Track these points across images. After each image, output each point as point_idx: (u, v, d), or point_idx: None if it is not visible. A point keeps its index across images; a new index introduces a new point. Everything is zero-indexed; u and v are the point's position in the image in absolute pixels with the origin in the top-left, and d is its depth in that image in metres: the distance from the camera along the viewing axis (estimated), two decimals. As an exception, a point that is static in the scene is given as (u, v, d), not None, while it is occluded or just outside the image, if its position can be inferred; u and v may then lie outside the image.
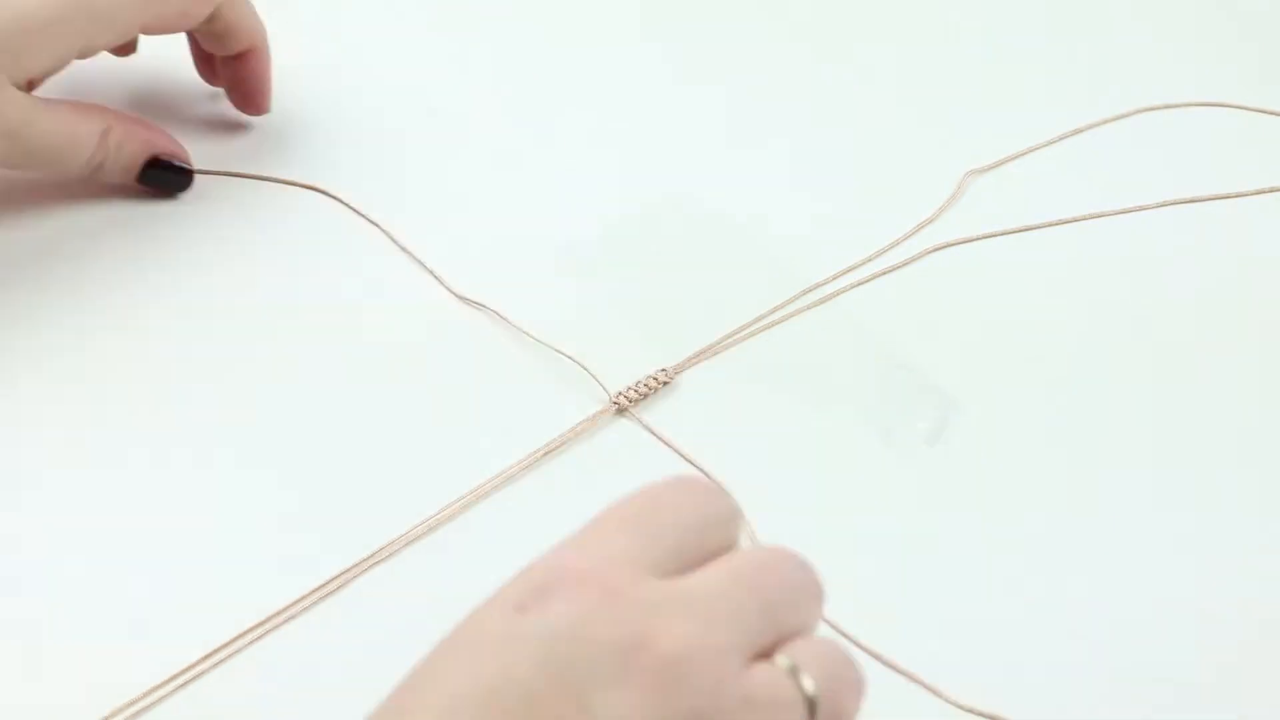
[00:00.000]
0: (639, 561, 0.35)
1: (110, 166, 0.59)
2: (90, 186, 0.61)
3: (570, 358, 0.56)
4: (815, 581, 0.37)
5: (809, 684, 0.35)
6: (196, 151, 0.62)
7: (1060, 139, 0.68)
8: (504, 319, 0.58)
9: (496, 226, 0.63)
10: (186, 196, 0.62)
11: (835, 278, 0.61)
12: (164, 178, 0.61)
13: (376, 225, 0.62)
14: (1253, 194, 0.66)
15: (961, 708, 0.47)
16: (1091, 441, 0.56)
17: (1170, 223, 0.65)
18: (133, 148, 0.59)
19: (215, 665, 0.47)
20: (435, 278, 0.60)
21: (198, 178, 0.62)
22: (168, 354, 0.56)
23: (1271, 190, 0.66)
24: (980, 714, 0.47)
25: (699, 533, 0.37)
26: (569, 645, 0.34)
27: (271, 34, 0.63)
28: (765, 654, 0.35)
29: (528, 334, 0.57)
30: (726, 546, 0.37)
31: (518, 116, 0.69)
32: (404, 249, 0.61)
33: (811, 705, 0.35)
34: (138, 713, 0.46)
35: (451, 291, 0.59)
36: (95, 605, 0.48)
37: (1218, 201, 0.65)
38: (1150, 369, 0.58)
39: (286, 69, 0.65)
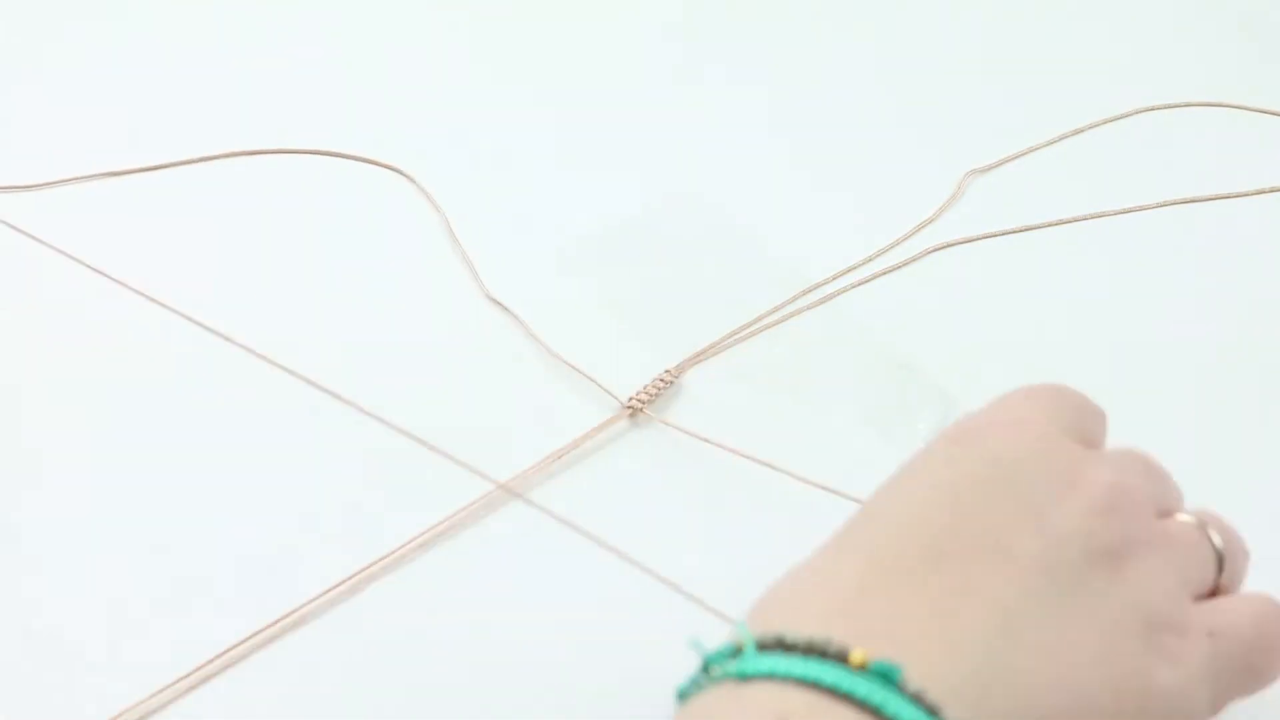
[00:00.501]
0: (1053, 422, 0.39)
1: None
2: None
3: (581, 371, 0.56)
4: (1178, 491, 0.42)
5: (1217, 538, 0.40)
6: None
7: (1060, 139, 0.68)
8: (523, 324, 0.58)
9: (497, 226, 0.63)
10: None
11: (835, 278, 0.61)
12: None
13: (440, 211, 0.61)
14: (1253, 194, 0.66)
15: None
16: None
17: (1170, 223, 0.65)
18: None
19: (226, 666, 0.47)
20: (474, 273, 0.59)
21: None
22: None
23: (1271, 190, 0.66)
24: None
25: (1088, 420, 0.40)
26: (1011, 467, 0.37)
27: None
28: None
29: (542, 343, 0.57)
30: (1101, 441, 0.41)
31: (517, 116, 0.69)
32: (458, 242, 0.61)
33: (1219, 556, 0.39)
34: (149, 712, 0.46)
35: (485, 293, 0.59)
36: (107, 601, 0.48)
37: (1218, 201, 0.65)
38: (1150, 369, 0.58)
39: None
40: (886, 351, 0.58)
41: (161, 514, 0.51)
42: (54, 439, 0.54)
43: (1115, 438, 0.55)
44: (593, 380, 0.55)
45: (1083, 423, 0.40)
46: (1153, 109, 0.70)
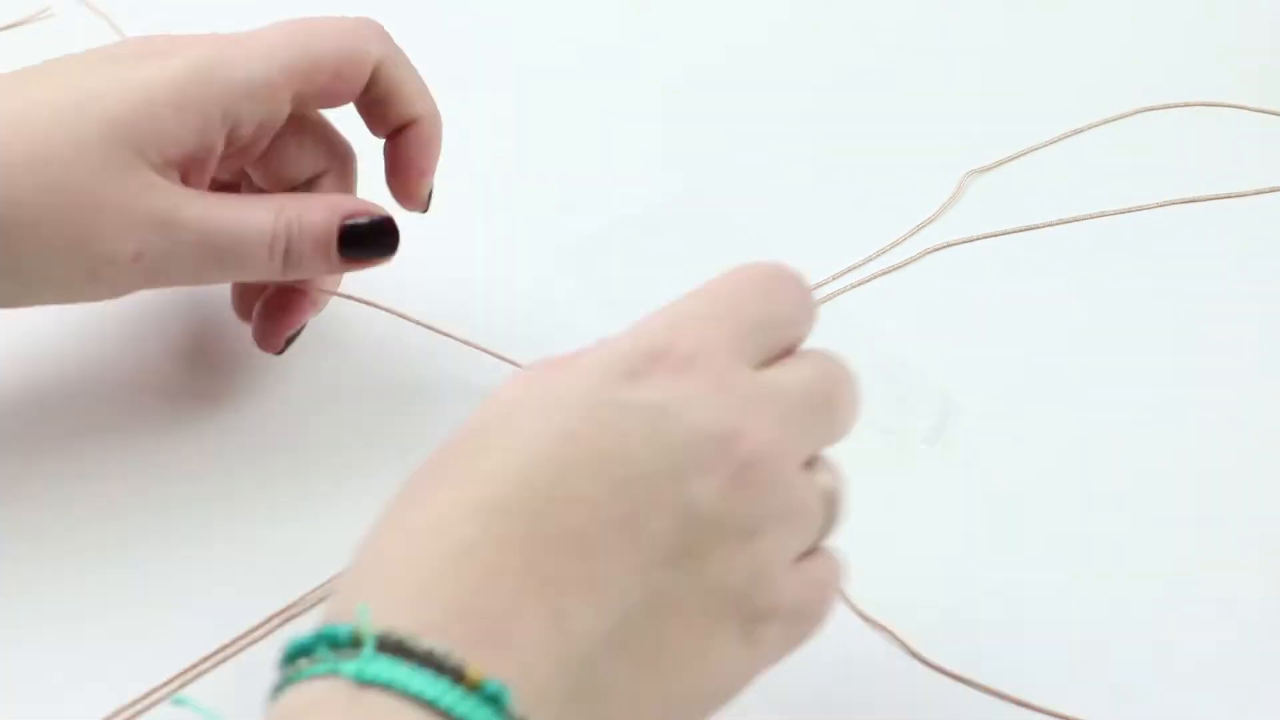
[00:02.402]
0: (735, 350, 0.37)
1: (297, 249, 0.48)
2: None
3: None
4: (858, 396, 0.41)
5: (834, 491, 0.39)
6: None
7: (1060, 139, 0.68)
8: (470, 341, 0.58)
9: (498, 226, 0.63)
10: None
11: (835, 278, 0.61)
12: (367, 241, 0.50)
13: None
14: (1253, 194, 0.66)
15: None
16: (1091, 441, 0.56)
17: (1170, 223, 0.65)
18: (315, 217, 0.49)
19: (224, 661, 0.47)
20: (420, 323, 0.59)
21: None
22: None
23: (1271, 190, 0.66)
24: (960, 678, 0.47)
25: (781, 328, 0.40)
26: (676, 425, 0.35)
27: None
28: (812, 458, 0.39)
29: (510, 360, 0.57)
30: (802, 338, 0.40)
31: (517, 116, 0.69)
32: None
33: (828, 519, 0.39)
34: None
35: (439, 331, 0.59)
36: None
37: (1218, 201, 0.65)
38: (1150, 369, 0.58)
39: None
40: (886, 351, 0.58)
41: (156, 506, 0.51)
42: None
43: (1115, 437, 0.56)
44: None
45: (770, 336, 0.39)
46: (1153, 109, 0.70)
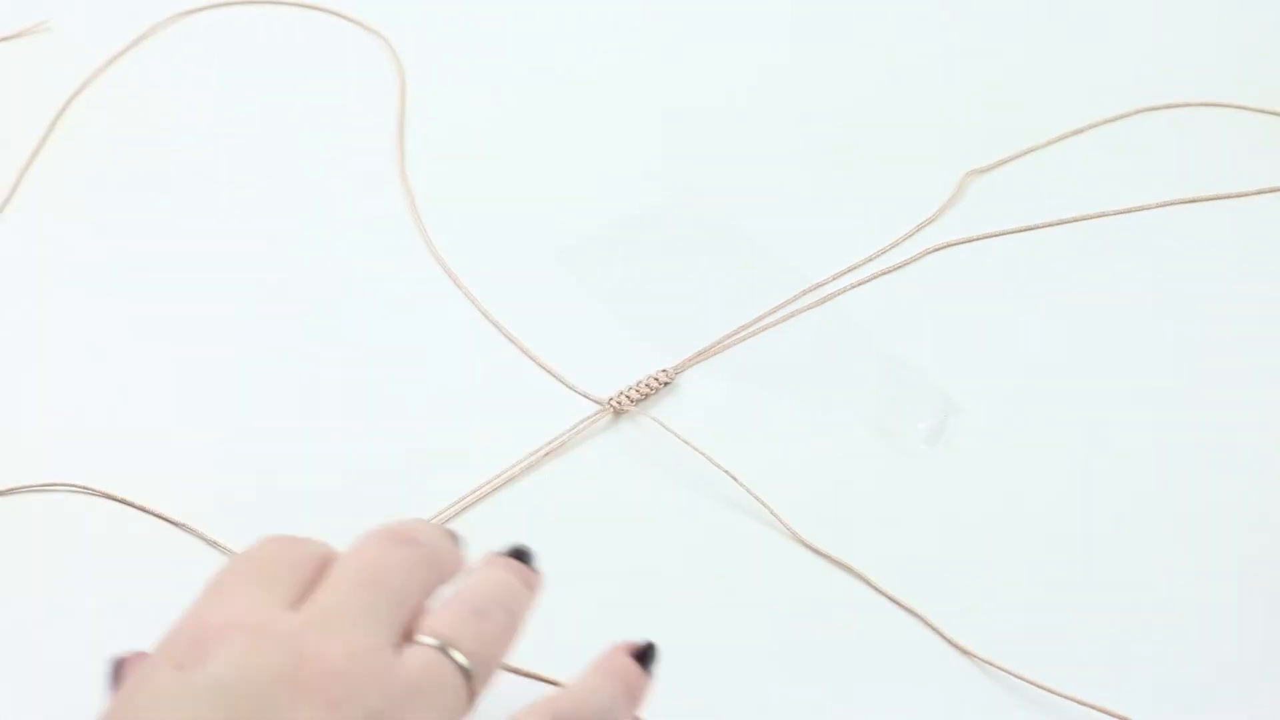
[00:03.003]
0: (269, 602, 0.37)
1: None
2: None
3: (552, 371, 0.56)
4: (420, 553, 0.39)
5: (460, 657, 0.37)
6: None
7: (1060, 139, 0.68)
8: (500, 329, 0.58)
9: (496, 225, 0.63)
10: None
11: (835, 278, 0.61)
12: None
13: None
14: (1253, 194, 0.66)
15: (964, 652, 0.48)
16: (1091, 441, 0.56)
17: (1170, 223, 0.65)
18: None
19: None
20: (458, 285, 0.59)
21: None
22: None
23: (1271, 190, 0.66)
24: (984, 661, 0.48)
25: (298, 566, 0.38)
26: (240, 687, 0.34)
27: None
28: (409, 636, 0.37)
29: (518, 343, 0.57)
30: (329, 560, 0.39)
31: (516, 115, 0.69)
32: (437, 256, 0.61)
33: (468, 674, 0.37)
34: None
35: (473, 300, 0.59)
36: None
37: (1218, 201, 0.65)
38: (1150, 369, 0.58)
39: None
40: (886, 351, 0.58)
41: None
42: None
43: (1115, 437, 0.56)
44: (561, 380, 0.56)
45: (297, 572, 0.38)
46: (1153, 109, 0.70)
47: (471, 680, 0.37)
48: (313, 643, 0.36)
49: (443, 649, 0.37)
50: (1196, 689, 0.48)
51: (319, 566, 0.38)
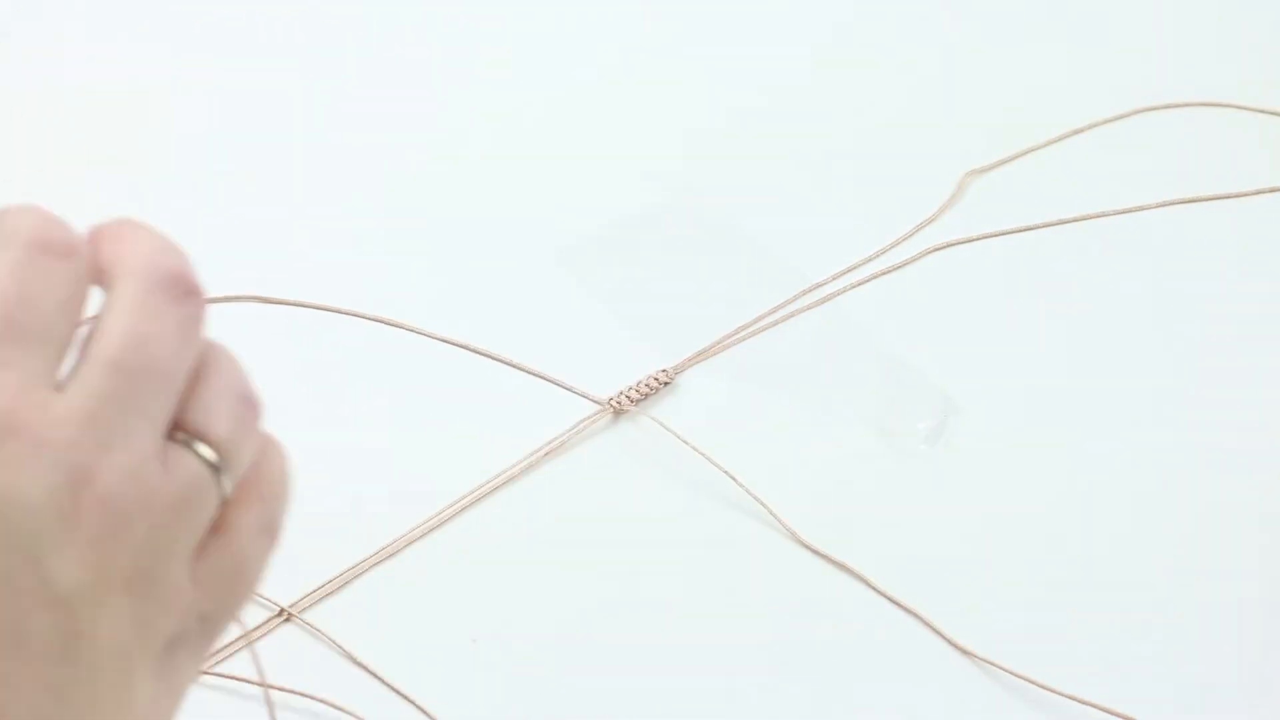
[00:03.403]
0: (34, 376, 0.30)
1: None
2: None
3: (545, 376, 0.56)
4: (187, 313, 0.31)
5: (226, 474, 0.32)
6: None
7: (1060, 139, 0.68)
8: (487, 351, 0.58)
9: (495, 226, 0.63)
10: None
11: (835, 278, 0.61)
12: None
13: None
14: (1253, 194, 0.66)
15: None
16: (1090, 441, 0.56)
17: (1170, 223, 0.65)
18: None
19: (223, 661, 0.47)
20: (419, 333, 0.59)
21: None
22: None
23: (1271, 190, 0.66)
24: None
25: (64, 306, 0.31)
26: (9, 517, 0.29)
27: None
28: (171, 433, 0.31)
29: (508, 363, 0.57)
30: (81, 295, 0.31)
31: (515, 117, 0.69)
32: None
33: (216, 471, 0.31)
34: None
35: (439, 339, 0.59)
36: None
37: (1218, 201, 0.65)
38: (1150, 368, 0.58)
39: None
40: (886, 351, 0.58)
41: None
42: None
43: (1115, 437, 0.56)
44: (557, 383, 0.56)
45: (56, 324, 0.30)
46: (1153, 109, 0.70)
47: (221, 477, 0.31)
48: (88, 455, 0.30)
49: (215, 467, 0.31)
50: (1196, 689, 0.48)
51: (78, 304, 0.31)
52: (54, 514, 0.29)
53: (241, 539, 0.33)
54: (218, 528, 0.32)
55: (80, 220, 0.32)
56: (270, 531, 0.33)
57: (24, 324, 0.30)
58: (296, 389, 0.56)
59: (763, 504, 0.52)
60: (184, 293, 0.31)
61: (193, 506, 0.31)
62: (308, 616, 0.49)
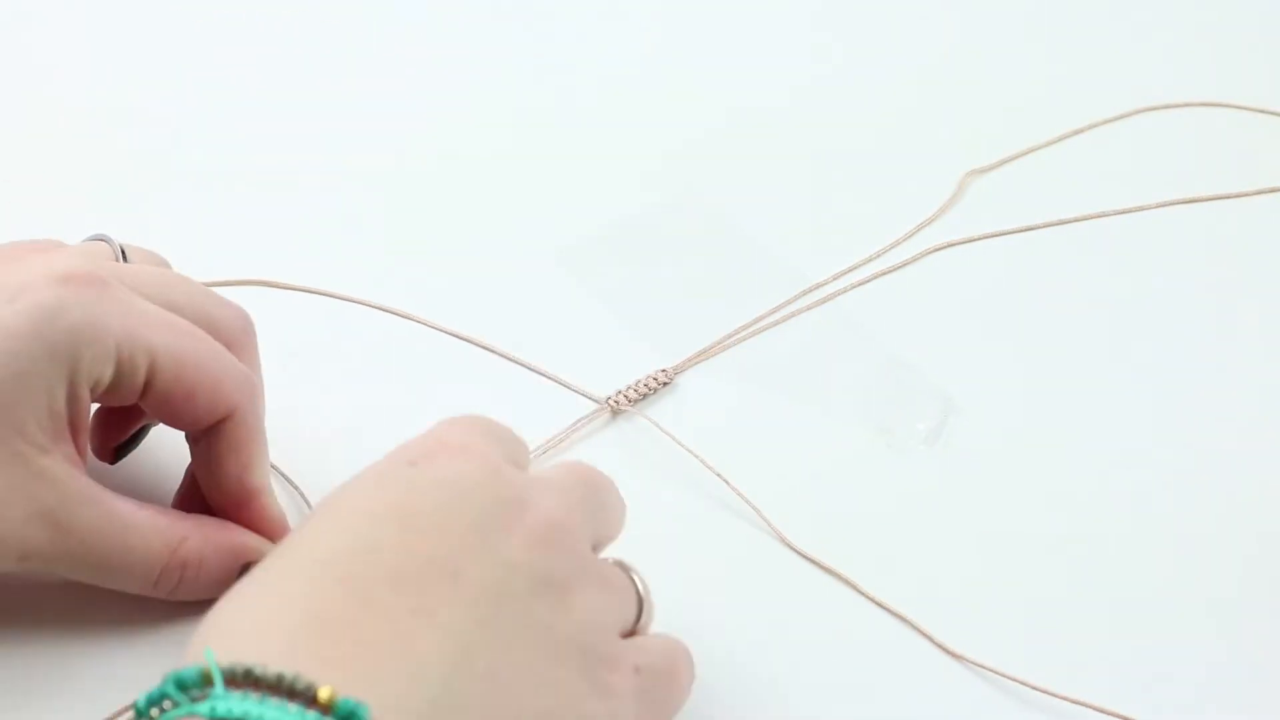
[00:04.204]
0: (500, 450, 0.40)
1: (187, 586, 0.45)
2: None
3: (545, 373, 0.56)
4: (624, 505, 0.43)
5: (639, 582, 0.42)
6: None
7: (1060, 139, 0.68)
8: (489, 345, 0.58)
9: (495, 226, 0.63)
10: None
11: (835, 278, 0.61)
12: None
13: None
14: (1253, 194, 0.66)
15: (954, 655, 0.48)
16: (1091, 442, 0.56)
17: (1170, 223, 0.65)
18: (213, 562, 0.45)
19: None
20: (419, 321, 0.59)
21: None
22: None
23: (1271, 190, 0.66)
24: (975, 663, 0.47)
25: (518, 450, 0.42)
26: (464, 492, 0.37)
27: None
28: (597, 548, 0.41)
29: (509, 357, 0.57)
30: (526, 467, 0.42)
31: (515, 116, 0.69)
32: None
33: (640, 600, 0.41)
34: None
35: (439, 329, 0.59)
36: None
37: (1218, 201, 0.65)
38: (1150, 369, 0.58)
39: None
40: (886, 351, 0.59)
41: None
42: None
43: (1115, 438, 0.56)
44: (556, 380, 0.56)
45: (514, 452, 0.41)
46: (1153, 109, 0.70)
47: (642, 610, 0.41)
48: (535, 494, 0.39)
49: (625, 568, 0.42)
50: (1196, 689, 0.48)
51: (525, 462, 0.42)
52: (501, 510, 0.38)
53: (667, 644, 0.43)
54: (646, 634, 0.42)
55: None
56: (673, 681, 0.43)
57: (496, 429, 0.42)
58: (295, 378, 0.56)
59: (753, 506, 0.52)
60: (611, 486, 0.44)
61: (615, 584, 0.41)
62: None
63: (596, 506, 0.41)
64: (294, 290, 0.58)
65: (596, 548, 0.41)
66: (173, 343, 0.43)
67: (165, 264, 0.50)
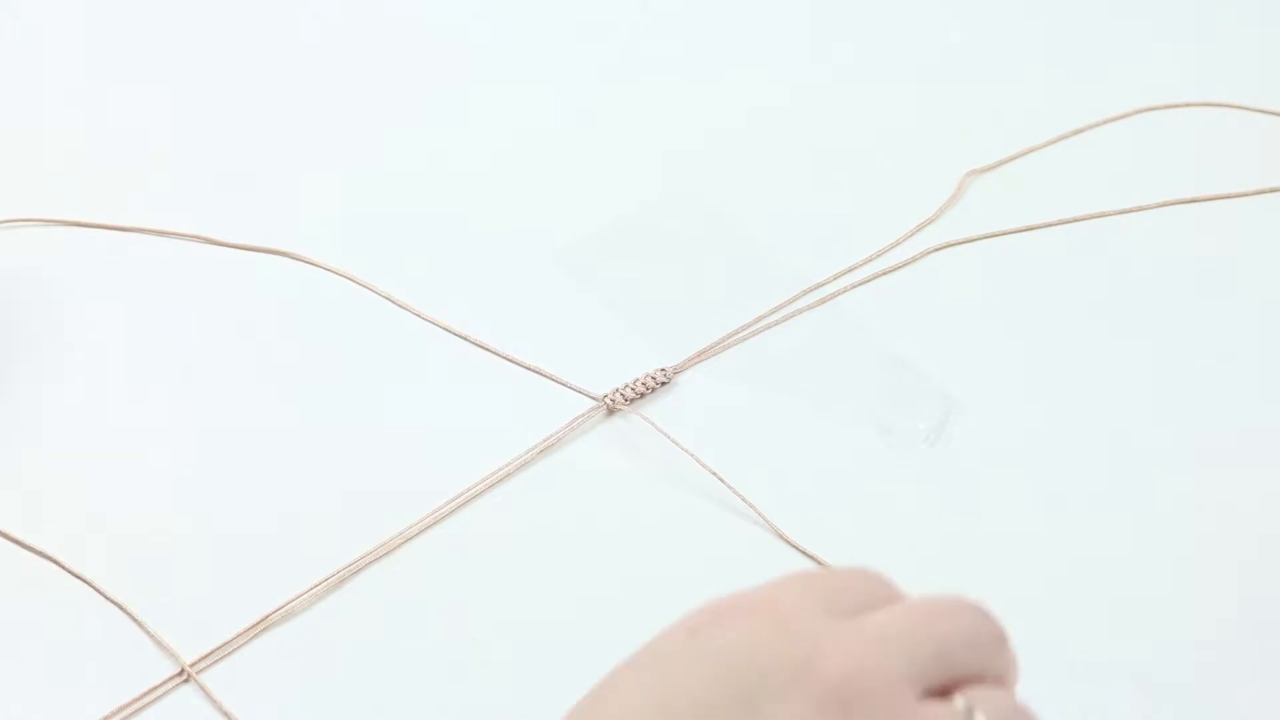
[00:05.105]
0: (812, 600, 0.36)
1: None
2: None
3: (541, 371, 0.56)
4: (996, 629, 0.36)
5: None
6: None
7: (1060, 139, 0.68)
8: (490, 346, 0.58)
9: (494, 224, 0.63)
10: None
11: (835, 278, 0.61)
12: None
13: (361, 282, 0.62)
14: (1253, 194, 0.66)
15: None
16: (1091, 441, 0.56)
17: (1170, 223, 0.65)
18: None
19: (220, 660, 0.48)
20: (419, 316, 0.59)
21: None
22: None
23: (1271, 190, 0.66)
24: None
25: (875, 591, 0.37)
26: (740, 662, 0.34)
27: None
28: (942, 693, 0.35)
29: (508, 358, 0.57)
30: (896, 599, 0.37)
31: (514, 117, 0.69)
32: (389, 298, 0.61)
33: None
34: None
35: (440, 326, 0.59)
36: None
37: (1218, 201, 0.65)
38: (1150, 369, 0.58)
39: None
40: (886, 351, 0.59)
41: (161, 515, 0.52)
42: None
43: (1115, 437, 0.56)
44: (553, 378, 0.56)
45: (860, 596, 0.36)
46: (1153, 109, 0.70)
47: None
48: (833, 646, 0.34)
49: (968, 712, 0.34)
50: (1196, 689, 0.48)
51: (885, 602, 0.36)
52: (783, 674, 0.34)
53: None
54: None
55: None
56: None
57: (827, 580, 0.37)
58: (293, 365, 0.57)
59: (749, 503, 0.52)
60: (984, 613, 0.36)
61: None
62: (298, 617, 0.49)
63: (933, 647, 0.35)
64: (314, 266, 0.59)
65: (945, 691, 0.35)
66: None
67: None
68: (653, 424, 0.55)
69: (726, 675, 0.34)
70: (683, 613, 0.34)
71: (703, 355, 0.58)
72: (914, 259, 0.63)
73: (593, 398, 0.56)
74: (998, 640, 0.36)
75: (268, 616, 0.48)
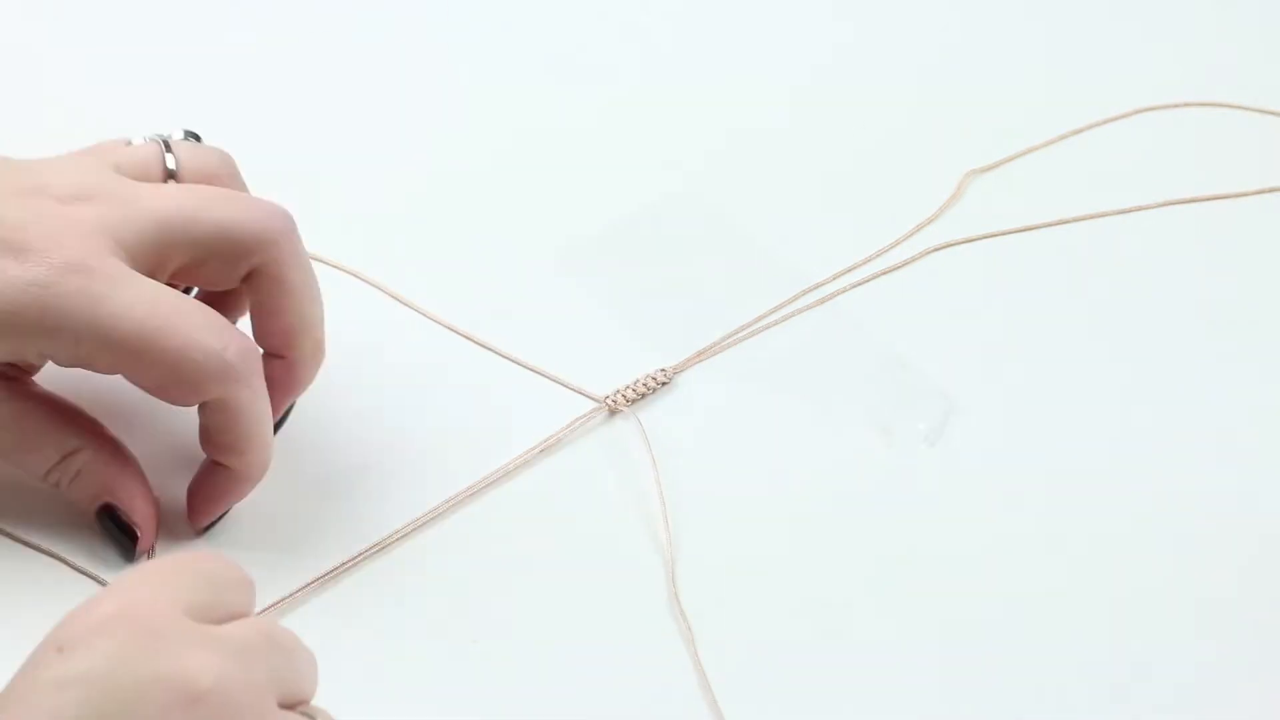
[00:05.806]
0: (171, 602, 0.36)
1: (65, 492, 0.49)
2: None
3: (550, 376, 0.56)
4: (315, 662, 0.39)
5: None
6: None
7: (1060, 139, 0.68)
8: (491, 346, 0.58)
9: (495, 224, 0.63)
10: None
11: (835, 278, 0.61)
12: (113, 532, 0.49)
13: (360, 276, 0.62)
14: (1253, 194, 0.66)
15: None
16: (1091, 441, 0.56)
17: (1170, 223, 0.65)
18: (89, 485, 0.49)
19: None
20: (421, 313, 0.59)
21: None
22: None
23: (1271, 190, 0.66)
24: None
25: (221, 590, 0.38)
26: (109, 683, 0.34)
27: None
28: (287, 707, 0.37)
29: (509, 357, 0.57)
30: (244, 611, 0.38)
31: (515, 115, 0.69)
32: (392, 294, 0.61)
33: None
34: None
35: (442, 324, 0.59)
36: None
37: (1218, 201, 0.65)
38: (1150, 369, 0.58)
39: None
40: (886, 351, 0.59)
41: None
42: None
43: (1115, 438, 0.56)
44: (555, 379, 0.56)
45: (211, 596, 0.37)
46: (1153, 109, 0.70)
47: None
48: (201, 656, 0.35)
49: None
50: (1196, 690, 0.48)
51: (233, 607, 0.38)
52: (154, 693, 0.34)
53: None
54: None
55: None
56: None
57: (181, 574, 0.37)
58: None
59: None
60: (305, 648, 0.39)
61: None
62: (292, 614, 0.49)
63: (285, 663, 0.37)
64: (317, 261, 0.58)
65: (288, 703, 0.37)
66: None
67: (228, 162, 0.52)
68: (651, 429, 0.54)
69: (98, 702, 0.33)
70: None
71: (702, 355, 0.58)
72: (914, 259, 0.63)
73: (593, 399, 0.55)
74: (316, 672, 0.39)
75: (260, 615, 0.48)
